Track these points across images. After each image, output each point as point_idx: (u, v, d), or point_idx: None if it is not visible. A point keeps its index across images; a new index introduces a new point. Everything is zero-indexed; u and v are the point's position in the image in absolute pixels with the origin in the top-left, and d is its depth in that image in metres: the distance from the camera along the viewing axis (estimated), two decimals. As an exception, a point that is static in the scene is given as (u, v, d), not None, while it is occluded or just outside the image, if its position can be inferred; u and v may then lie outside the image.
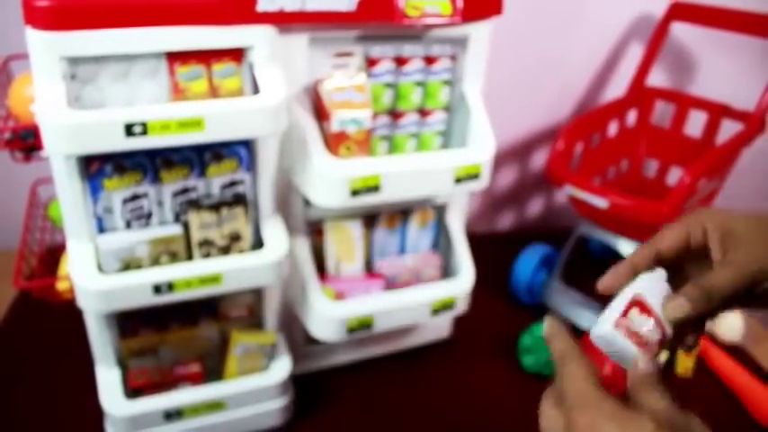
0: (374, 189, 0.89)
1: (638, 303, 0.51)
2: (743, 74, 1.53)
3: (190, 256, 0.88)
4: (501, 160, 1.60)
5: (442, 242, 1.13)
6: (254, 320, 0.99)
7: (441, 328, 1.23)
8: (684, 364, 1.18)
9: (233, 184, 0.88)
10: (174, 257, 0.86)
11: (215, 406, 0.94)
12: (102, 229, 0.84)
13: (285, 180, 0.95)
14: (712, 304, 0.50)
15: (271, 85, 0.80)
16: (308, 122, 0.89)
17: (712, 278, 0.50)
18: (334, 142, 0.89)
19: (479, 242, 1.23)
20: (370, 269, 1.08)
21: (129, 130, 0.73)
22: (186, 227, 0.86)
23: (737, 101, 1.34)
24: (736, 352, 1.24)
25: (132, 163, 0.82)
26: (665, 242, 0.54)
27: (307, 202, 0.98)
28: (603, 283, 0.53)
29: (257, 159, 0.88)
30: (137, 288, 0.82)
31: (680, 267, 0.56)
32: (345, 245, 1.04)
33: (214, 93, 0.83)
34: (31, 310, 1.21)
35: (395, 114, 0.99)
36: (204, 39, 0.78)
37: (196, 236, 0.86)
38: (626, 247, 1.24)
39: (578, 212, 1.30)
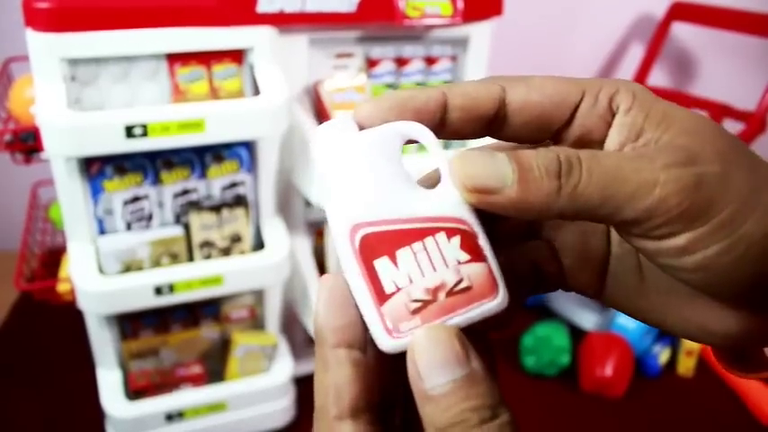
0: (375, 190, 0.89)
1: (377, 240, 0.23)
2: (744, 74, 1.53)
3: (191, 258, 0.88)
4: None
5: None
6: (255, 322, 0.99)
7: (442, 328, 1.23)
8: (686, 363, 1.18)
9: (233, 185, 0.88)
10: (174, 259, 0.86)
11: (216, 407, 0.94)
12: (102, 231, 0.84)
13: (286, 181, 0.95)
14: (565, 204, 0.22)
15: (271, 87, 0.80)
16: (309, 123, 0.89)
17: (598, 156, 0.22)
18: (334, 143, 0.89)
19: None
20: (371, 270, 1.08)
21: (129, 131, 0.73)
22: (187, 228, 0.86)
23: (738, 101, 1.34)
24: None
25: (133, 164, 0.82)
26: (516, 96, 0.24)
27: (307, 203, 0.98)
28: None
29: (258, 160, 0.88)
30: (138, 289, 0.82)
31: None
32: (346, 246, 1.04)
33: (214, 94, 0.83)
34: (31, 312, 1.21)
35: (395, 115, 0.99)
36: (204, 40, 0.78)
37: (197, 237, 0.86)
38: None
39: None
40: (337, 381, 0.22)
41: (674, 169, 0.21)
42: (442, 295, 0.23)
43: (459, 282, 0.23)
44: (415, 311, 0.23)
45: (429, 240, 0.23)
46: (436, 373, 0.21)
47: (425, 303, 0.23)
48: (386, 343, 0.23)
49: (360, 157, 0.24)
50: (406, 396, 0.24)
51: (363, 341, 0.23)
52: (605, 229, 0.27)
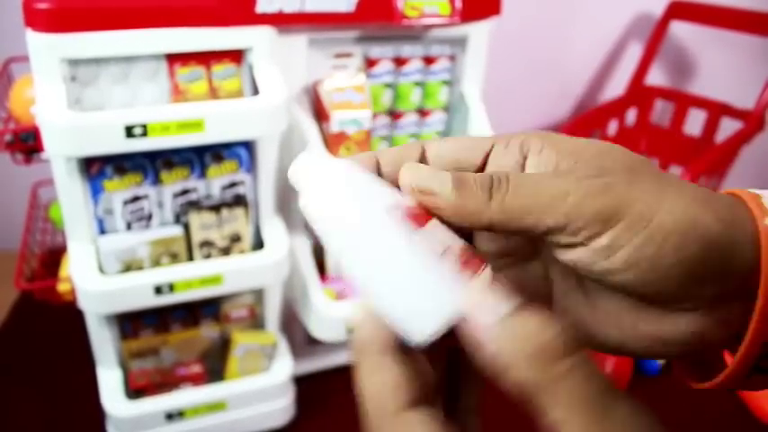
0: (374, 189, 0.89)
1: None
2: (742, 72, 1.53)
3: (190, 257, 0.88)
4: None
5: (442, 242, 1.13)
6: (255, 321, 0.99)
7: (441, 327, 1.23)
8: (685, 362, 1.18)
9: (233, 184, 0.88)
10: (174, 258, 0.87)
11: (216, 406, 0.94)
12: (102, 231, 0.84)
13: (285, 181, 0.95)
14: (493, 215, 0.25)
15: (270, 86, 0.81)
16: (308, 123, 0.89)
17: (523, 175, 0.25)
18: (333, 143, 0.89)
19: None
20: (370, 269, 1.08)
21: (129, 131, 0.73)
22: (187, 228, 0.86)
23: (737, 99, 1.34)
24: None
25: (132, 164, 0.82)
26: (433, 149, 0.28)
27: (307, 203, 0.98)
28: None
29: (257, 160, 0.88)
30: (137, 289, 0.82)
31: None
32: (346, 245, 1.04)
33: (214, 94, 0.83)
34: (32, 312, 1.21)
35: (394, 115, 0.99)
36: (204, 40, 0.78)
37: (197, 237, 0.87)
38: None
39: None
40: (392, 379, 0.24)
41: (585, 180, 0.24)
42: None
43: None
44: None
45: None
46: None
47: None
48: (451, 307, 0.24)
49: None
50: (449, 382, 0.27)
51: (401, 344, 0.25)
52: (545, 274, 0.29)
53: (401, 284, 0.24)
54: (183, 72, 0.80)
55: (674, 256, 0.23)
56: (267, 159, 0.88)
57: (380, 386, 0.24)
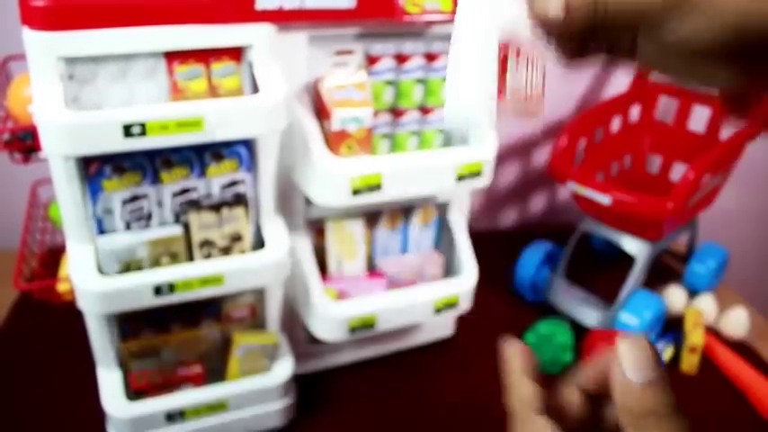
0: (375, 188, 0.89)
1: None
2: (746, 68, 1.51)
3: (190, 257, 0.87)
4: (503, 157, 1.59)
5: (444, 240, 1.12)
6: (256, 321, 0.99)
7: (444, 326, 1.22)
8: (689, 360, 1.17)
9: (233, 183, 0.87)
10: (174, 258, 0.86)
11: (217, 407, 0.93)
12: (101, 231, 0.83)
13: (286, 179, 0.94)
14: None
15: (270, 84, 0.80)
16: (309, 121, 0.88)
17: None
18: (334, 141, 0.89)
19: (482, 240, 1.23)
20: (372, 268, 1.07)
21: (127, 130, 0.72)
22: (186, 227, 0.86)
23: (741, 95, 1.33)
24: (742, 348, 1.23)
25: (131, 164, 0.81)
26: None
27: (308, 202, 0.98)
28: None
29: (257, 159, 0.87)
30: (137, 289, 0.82)
31: None
32: (347, 244, 1.03)
33: (213, 92, 0.82)
34: (31, 312, 1.21)
35: (396, 112, 0.98)
36: (203, 37, 0.78)
37: (197, 236, 0.86)
38: (629, 243, 1.23)
39: (581, 209, 1.29)
40: (530, 392, 0.35)
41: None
42: None
43: None
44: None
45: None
46: (638, 370, 0.29)
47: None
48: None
49: None
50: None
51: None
52: None
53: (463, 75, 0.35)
54: (181, 70, 0.80)
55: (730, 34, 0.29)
56: (267, 158, 0.87)
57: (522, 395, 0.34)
